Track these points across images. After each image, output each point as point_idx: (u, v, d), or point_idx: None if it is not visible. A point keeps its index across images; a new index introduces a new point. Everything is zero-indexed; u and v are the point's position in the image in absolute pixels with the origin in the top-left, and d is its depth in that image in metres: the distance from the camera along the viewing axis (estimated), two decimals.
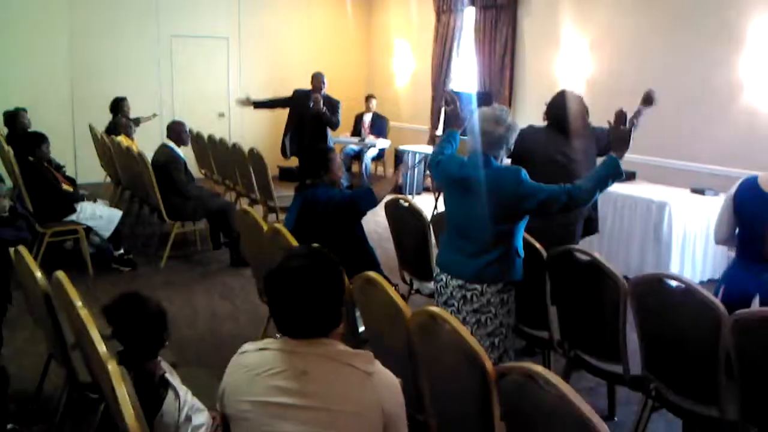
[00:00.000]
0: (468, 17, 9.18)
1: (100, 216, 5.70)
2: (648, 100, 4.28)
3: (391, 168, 10.25)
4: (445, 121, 7.90)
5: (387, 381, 1.78)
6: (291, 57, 10.97)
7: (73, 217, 5.61)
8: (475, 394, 2.10)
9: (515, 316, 3.13)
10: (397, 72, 10.86)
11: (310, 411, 1.70)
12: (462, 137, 3.36)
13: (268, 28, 10.77)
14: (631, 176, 6.07)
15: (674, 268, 5.42)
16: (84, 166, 9.19)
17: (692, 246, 5.61)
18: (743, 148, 5.98)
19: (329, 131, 7.46)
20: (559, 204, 2.79)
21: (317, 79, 7.41)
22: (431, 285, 4.08)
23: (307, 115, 7.26)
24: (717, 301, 2.52)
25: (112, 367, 1.84)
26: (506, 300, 3.00)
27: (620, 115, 2.96)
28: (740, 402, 2.50)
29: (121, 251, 5.90)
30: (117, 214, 5.85)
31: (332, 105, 7.33)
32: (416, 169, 9.35)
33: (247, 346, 1.85)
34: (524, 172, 2.84)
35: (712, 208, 5.63)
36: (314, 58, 11.10)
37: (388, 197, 4.19)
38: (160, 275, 5.82)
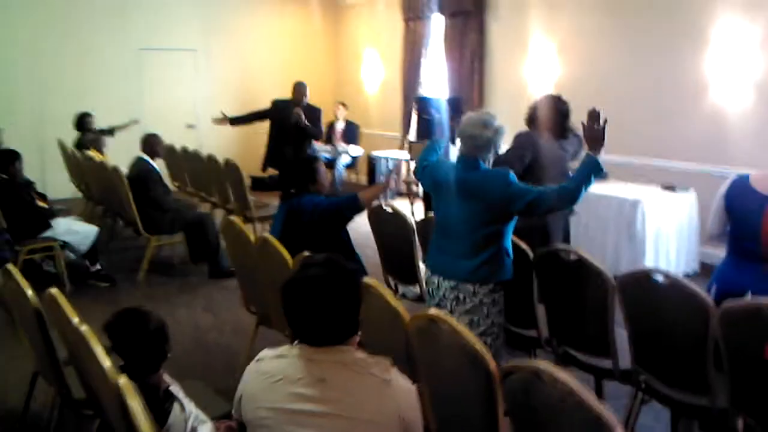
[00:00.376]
0: (436, 24, 9.27)
1: (76, 231, 5.63)
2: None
3: (365, 175, 10.28)
4: (424, 128, 7.89)
5: (404, 388, 1.80)
6: (260, 67, 10.98)
7: (49, 233, 5.54)
8: (478, 395, 2.13)
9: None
10: (366, 79, 10.91)
11: (328, 418, 1.72)
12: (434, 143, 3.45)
13: (235, 39, 10.76)
14: (604, 176, 6.19)
15: (648, 264, 5.53)
16: (53, 181, 9.03)
17: (666, 242, 5.74)
18: (711, 145, 6.15)
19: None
20: (548, 204, 2.86)
21: (298, 90, 7.16)
22: (416, 289, 4.13)
23: (289, 125, 7.03)
24: (704, 293, 2.60)
25: (124, 381, 1.83)
26: (497, 300, 3.06)
27: (593, 114, 3.01)
28: (729, 390, 2.58)
29: (98, 267, 5.83)
30: (93, 229, 5.79)
31: (313, 114, 7.15)
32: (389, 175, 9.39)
33: (265, 353, 1.87)
34: (512, 174, 2.91)
35: (684, 203, 5.80)
36: (283, 68, 11.12)
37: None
38: (139, 290, 5.77)
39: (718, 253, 5.73)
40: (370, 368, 1.78)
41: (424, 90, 9.53)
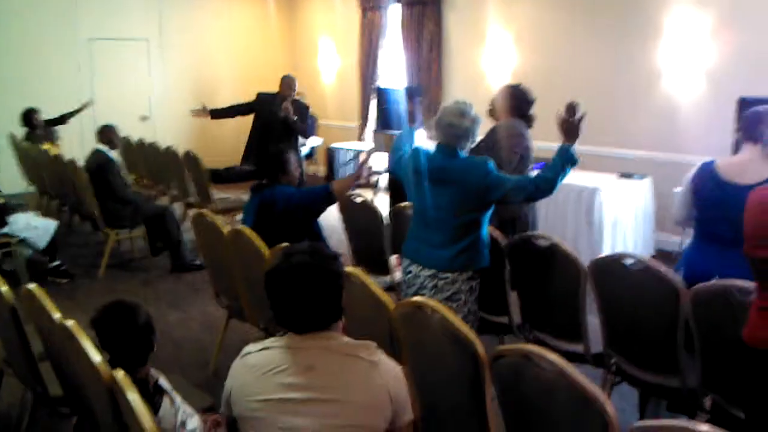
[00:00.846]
0: (393, 13, 9.28)
1: (35, 227, 5.48)
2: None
3: (324, 166, 10.26)
4: (384, 118, 7.87)
5: (391, 369, 1.85)
6: (214, 57, 10.85)
7: (6, 229, 5.38)
8: (466, 379, 2.18)
9: None
10: (323, 69, 10.87)
11: (320, 404, 1.75)
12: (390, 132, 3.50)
13: (189, 28, 10.57)
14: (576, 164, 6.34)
15: (606, 250, 5.68)
16: (4, 177, 8.76)
17: (623, 228, 5.89)
18: (665, 133, 6.34)
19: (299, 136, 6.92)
20: (526, 193, 2.94)
21: (287, 84, 6.70)
22: (386, 279, 4.17)
23: (274, 120, 6.58)
24: (675, 276, 2.70)
25: (121, 375, 1.82)
26: (474, 287, 3.12)
27: (570, 107, 3.10)
28: (699, 371, 2.69)
29: (57, 262, 5.70)
30: (52, 224, 5.64)
31: (301, 110, 6.72)
32: (348, 167, 9.40)
33: (249, 348, 1.88)
34: (491, 163, 2.96)
35: (640, 191, 5.97)
36: (238, 58, 11.03)
37: None
38: (100, 285, 5.66)
39: (674, 239, 5.99)
40: (357, 351, 1.83)
41: (382, 80, 9.54)
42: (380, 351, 1.87)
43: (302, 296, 1.82)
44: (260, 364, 1.82)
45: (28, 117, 7.88)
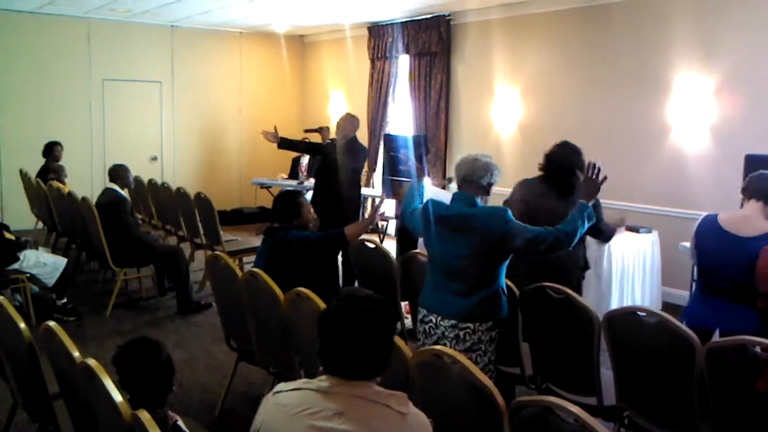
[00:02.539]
0: (403, 64, 9.45)
1: (44, 263, 5.51)
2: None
3: None
4: (391, 165, 7.89)
5: (420, 422, 1.84)
6: (225, 101, 11.03)
7: (16, 265, 5.41)
8: (485, 430, 2.19)
9: None
10: (333, 116, 11.00)
11: None
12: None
13: (201, 72, 10.76)
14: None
15: (614, 303, 5.69)
16: (13, 212, 8.85)
17: (630, 281, 5.91)
18: (671, 188, 6.41)
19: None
20: (546, 244, 2.96)
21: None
22: (397, 326, 4.17)
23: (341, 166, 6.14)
24: (690, 331, 2.71)
25: (144, 415, 1.83)
26: (494, 337, 3.13)
27: (592, 167, 3.19)
28: (713, 426, 2.68)
29: (65, 300, 5.71)
30: (62, 261, 5.67)
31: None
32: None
33: (281, 386, 1.88)
34: (510, 212, 3.01)
35: (647, 244, 6.00)
36: (248, 103, 11.20)
37: None
38: (107, 324, 5.64)
39: (681, 293, 6.00)
40: (388, 401, 1.82)
41: (391, 128, 9.66)
42: (410, 403, 1.86)
43: (359, 343, 1.81)
44: (292, 404, 1.82)
45: (51, 149, 7.98)
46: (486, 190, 3.12)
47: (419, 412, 1.86)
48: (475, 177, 3.08)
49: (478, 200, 3.09)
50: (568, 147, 3.82)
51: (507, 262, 3.11)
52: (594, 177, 3.15)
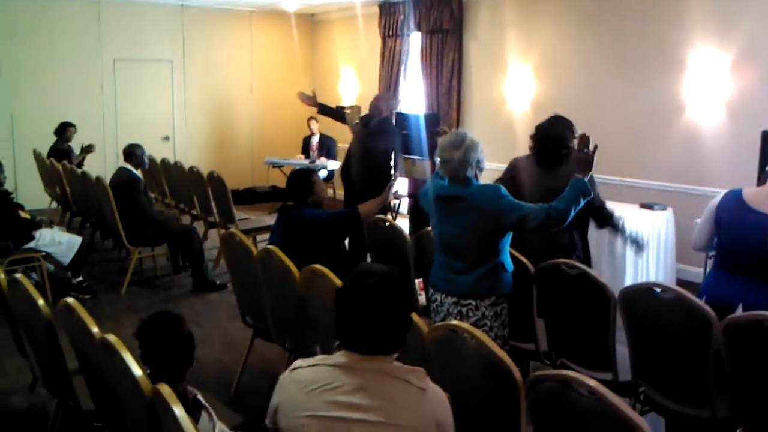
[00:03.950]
0: (414, 42, 9.39)
1: (59, 242, 5.55)
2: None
3: (341, 190, 10.31)
4: (402, 143, 7.84)
5: (439, 396, 1.86)
6: (236, 80, 11.02)
7: (32, 244, 5.45)
8: (501, 404, 2.20)
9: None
10: (344, 94, 10.97)
11: (369, 425, 1.76)
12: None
13: (212, 51, 10.75)
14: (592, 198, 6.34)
15: (629, 279, 5.67)
16: (26, 192, 8.89)
17: (644, 259, 5.88)
18: (686, 165, 6.36)
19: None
20: (538, 221, 2.94)
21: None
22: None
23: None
24: (707, 306, 2.70)
25: (165, 389, 1.84)
26: (500, 312, 3.13)
27: (583, 139, 3.11)
28: (730, 402, 2.68)
29: (80, 278, 5.75)
30: (77, 240, 5.71)
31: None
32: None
33: (299, 363, 1.89)
34: (504, 189, 3.01)
35: (661, 222, 5.96)
36: (259, 81, 11.18)
37: None
38: (122, 302, 5.70)
39: (695, 270, 5.98)
40: (407, 376, 1.83)
41: (402, 106, 9.62)
42: (428, 378, 1.87)
43: (377, 318, 1.81)
44: (310, 380, 1.83)
45: (64, 129, 8.01)
46: (464, 168, 3.03)
47: (437, 387, 1.88)
48: (448, 160, 3.03)
49: (472, 178, 3.06)
50: (558, 118, 3.84)
51: (507, 238, 3.11)
52: (584, 150, 3.04)
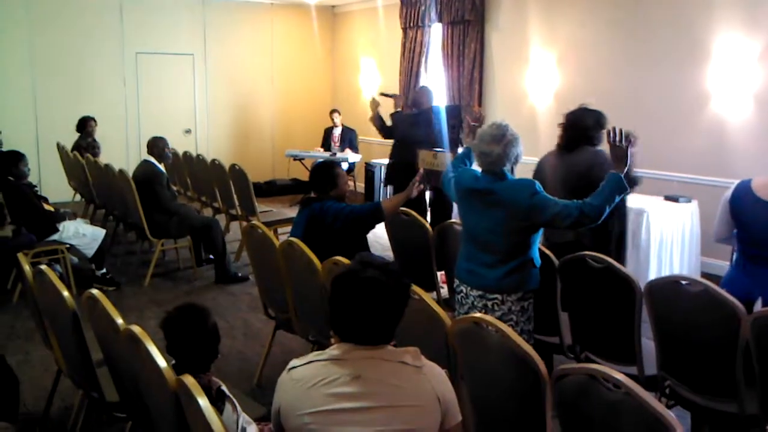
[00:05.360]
0: (435, 33, 9.33)
1: (83, 234, 5.60)
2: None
3: (362, 182, 10.31)
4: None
5: (436, 372, 1.87)
6: (257, 72, 11.03)
7: (56, 236, 5.50)
8: (526, 397, 2.17)
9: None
10: (364, 87, 10.95)
11: (371, 411, 1.77)
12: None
13: (233, 44, 10.78)
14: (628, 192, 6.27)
15: (653, 273, 5.61)
16: (50, 185, 9.00)
17: (669, 250, 5.81)
18: (711, 157, 6.26)
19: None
20: (571, 218, 2.88)
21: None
22: (433, 296, 4.16)
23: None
24: (735, 300, 2.65)
25: (190, 380, 1.84)
26: (526, 308, 3.10)
27: (614, 131, 2.98)
28: (760, 398, 2.63)
29: (104, 270, 5.80)
30: (100, 232, 5.76)
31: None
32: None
33: (294, 362, 1.90)
34: (538, 185, 2.94)
35: (686, 214, 5.89)
36: (280, 73, 11.19)
37: None
38: (145, 294, 5.74)
39: (721, 263, 5.90)
40: (402, 357, 1.84)
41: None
42: (423, 356, 1.88)
43: (369, 311, 1.82)
44: (307, 377, 1.83)
45: (85, 124, 8.08)
46: (502, 163, 3.00)
47: (433, 363, 1.89)
48: (488, 154, 2.99)
49: (507, 172, 3.03)
50: (585, 108, 3.97)
51: (538, 234, 3.06)
52: (618, 142, 2.94)
